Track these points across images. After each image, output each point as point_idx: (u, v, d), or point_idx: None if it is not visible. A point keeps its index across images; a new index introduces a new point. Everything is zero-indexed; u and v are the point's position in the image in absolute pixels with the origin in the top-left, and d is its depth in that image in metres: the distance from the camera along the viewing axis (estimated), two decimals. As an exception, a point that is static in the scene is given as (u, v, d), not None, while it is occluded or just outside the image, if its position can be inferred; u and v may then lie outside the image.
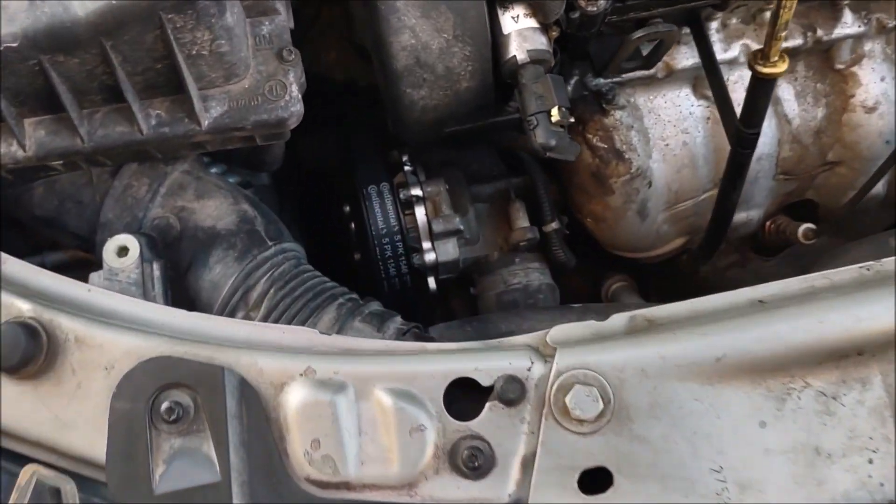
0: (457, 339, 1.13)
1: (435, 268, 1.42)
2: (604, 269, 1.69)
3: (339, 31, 1.59)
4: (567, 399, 0.77)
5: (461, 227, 1.38)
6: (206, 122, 1.01)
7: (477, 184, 1.47)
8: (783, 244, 1.51)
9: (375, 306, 1.04)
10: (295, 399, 0.78)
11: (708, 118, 1.36)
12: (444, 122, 1.16)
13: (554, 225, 1.41)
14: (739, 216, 1.45)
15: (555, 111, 1.01)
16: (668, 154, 1.36)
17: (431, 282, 1.45)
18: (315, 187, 1.87)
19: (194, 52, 0.95)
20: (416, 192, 1.39)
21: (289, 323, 0.98)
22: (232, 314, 1.00)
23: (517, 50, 1.07)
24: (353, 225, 1.48)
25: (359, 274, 1.46)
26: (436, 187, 1.40)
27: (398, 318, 1.01)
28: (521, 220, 1.42)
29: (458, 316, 1.65)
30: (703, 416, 0.78)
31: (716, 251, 1.45)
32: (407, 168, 1.44)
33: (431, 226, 1.38)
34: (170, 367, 0.75)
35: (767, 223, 1.52)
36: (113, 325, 0.81)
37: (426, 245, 1.41)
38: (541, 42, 1.07)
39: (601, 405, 0.76)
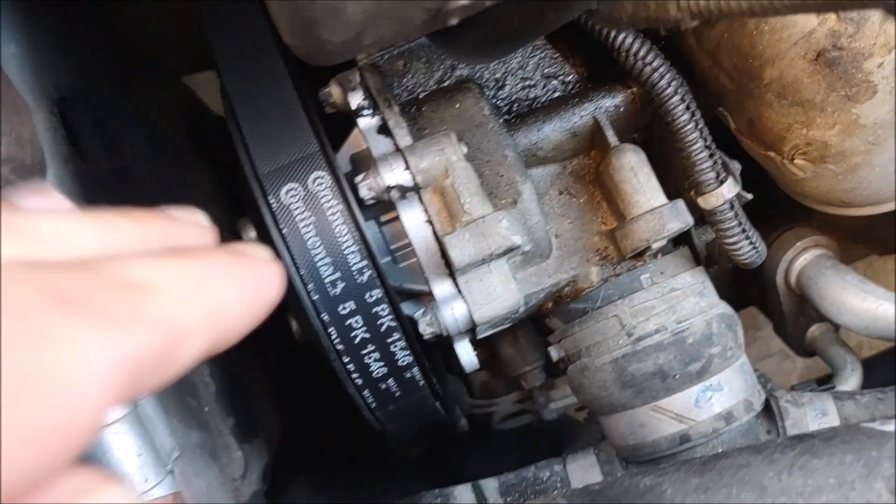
0: None
1: (471, 329, 0.64)
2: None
3: None
4: None
5: (516, 241, 0.58)
6: None
7: (523, 121, 0.66)
8: None
9: None
10: None
11: None
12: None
13: (727, 190, 0.61)
14: None
15: None
16: None
17: (466, 353, 0.67)
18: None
19: None
20: (399, 176, 0.58)
21: None
22: None
23: None
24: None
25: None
26: (438, 155, 0.59)
27: None
28: (642, 191, 0.62)
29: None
30: None
31: None
32: (368, 119, 0.63)
33: (446, 249, 0.58)
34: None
35: None
36: None
37: (442, 289, 0.62)
38: None
39: None
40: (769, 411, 0.66)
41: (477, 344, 0.69)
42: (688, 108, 0.60)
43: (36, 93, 0.66)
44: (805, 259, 0.86)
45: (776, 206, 0.85)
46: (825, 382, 0.86)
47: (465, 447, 1.14)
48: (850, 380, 0.85)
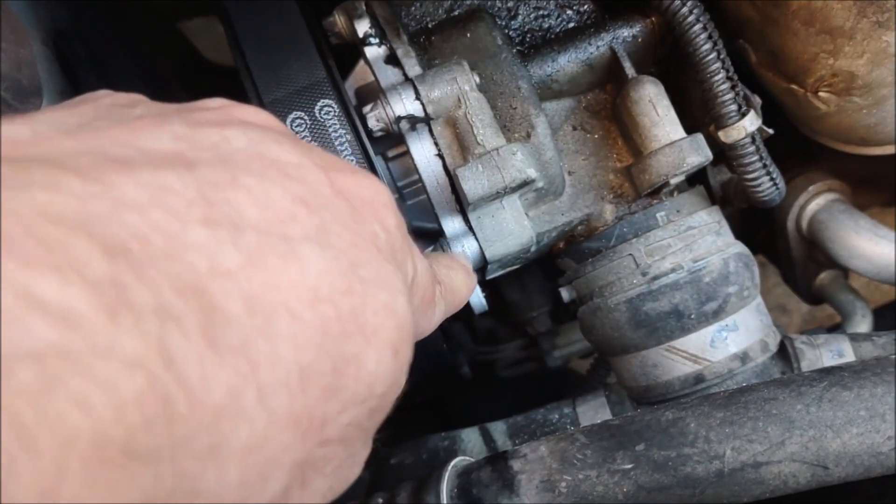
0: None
1: (481, 269, 0.62)
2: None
3: None
4: None
5: (531, 174, 0.57)
6: None
7: (537, 52, 0.64)
8: None
9: None
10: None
11: None
12: None
13: (749, 124, 0.59)
14: None
15: None
16: None
17: (475, 294, 0.65)
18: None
19: None
20: (409, 106, 0.56)
21: None
22: None
23: None
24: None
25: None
26: (450, 85, 0.57)
27: None
28: (661, 124, 0.60)
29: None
30: None
31: None
32: (375, 48, 0.61)
33: (458, 182, 0.56)
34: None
35: None
36: None
37: (453, 226, 0.60)
38: None
39: None
40: (784, 353, 0.65)
41: (483, 287, 0.67)
42: (710, 37, 0.58)
43: (32, 21, 0.64)
44: (818, 203, 0.84)
45: (786, 151, 0.83)
46: (834, 331, 0.85)
47: (468, 394, 1.13)
48: (861, 326, 0.84)
